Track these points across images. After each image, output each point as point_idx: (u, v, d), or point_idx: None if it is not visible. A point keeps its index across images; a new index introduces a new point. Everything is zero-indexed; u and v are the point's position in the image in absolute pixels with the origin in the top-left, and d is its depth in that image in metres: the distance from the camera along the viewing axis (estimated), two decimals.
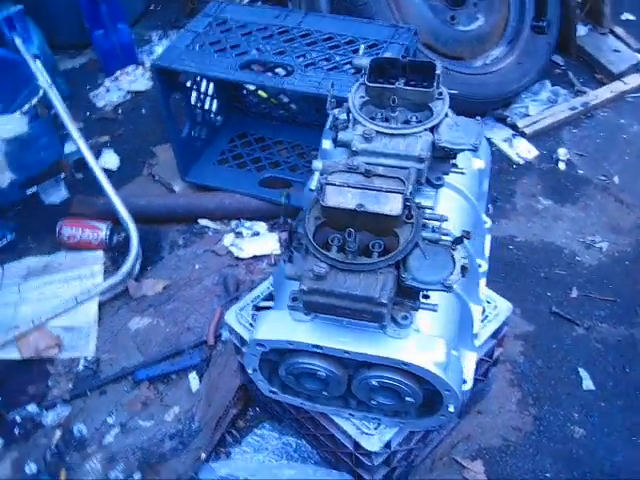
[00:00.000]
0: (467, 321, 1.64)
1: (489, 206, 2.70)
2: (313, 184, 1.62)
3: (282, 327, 1.46)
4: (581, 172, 2.84)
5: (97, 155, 3.03)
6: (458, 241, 1.40)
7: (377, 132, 1.55)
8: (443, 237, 1.40)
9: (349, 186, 1.39)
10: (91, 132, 3.17)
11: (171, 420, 2.23)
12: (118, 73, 3.31)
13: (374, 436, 1.66)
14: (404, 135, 1.54)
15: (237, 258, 2.61)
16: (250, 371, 1.59)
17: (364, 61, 1.66)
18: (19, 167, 2.22)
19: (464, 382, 1.61)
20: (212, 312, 2.44)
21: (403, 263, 1.34)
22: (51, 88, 2.17)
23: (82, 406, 2.28)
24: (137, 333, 2.45)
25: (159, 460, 2.15)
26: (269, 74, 2.29)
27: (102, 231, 2.61)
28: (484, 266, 1.87)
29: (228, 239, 2.66)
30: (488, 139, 2.95)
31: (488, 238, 1.96)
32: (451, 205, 1.69)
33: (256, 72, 2.29)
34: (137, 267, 2.57)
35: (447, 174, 1.63)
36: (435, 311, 1.39)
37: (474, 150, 1.54)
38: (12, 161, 2.12)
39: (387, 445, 1.68)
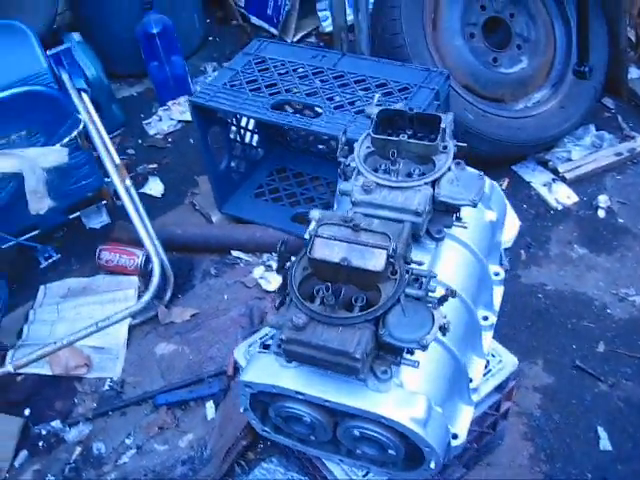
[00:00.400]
0: (461, 375, 1.63)
1: (521, 251, 2.67)
2: (306, 233, 1.65)
3: (268, 371, 1.49)
4: (621, 221, 2.76)
5: (144, 182, 3.19)
6: (442, 300, 1.40)
7: (377, 184, 1.58)
8: (430, 294, 1.41)
9: (336, 239, 1.42)
10: (140, 159, 3.32)
11: (184, 446, 2.29)
12: (170, 103, 3.45)
13: None
14: (402, 188, 1.55)
15: (265, 291, 2.66)
16: (241, 410, 1.63)
17: (375, 110, 1.70)
18: (60, 195, 2.34)
19: (455, 437, 1.60)
20: (235, 343, 2.49)
21: (383, 319, 1.35)
22: (91, 122, 2.29)
23: (103, 425, 2.37)
24: (162, 358, 2.53)
25: None
26: (298, 115, 2.34)
27: (138, 257, 2.72)
28: (491, 319, 1.84)
29: (258, 271, 2.72)
30: (528, 182, 2.92)
31: (500, 290, 1.93)
32: (453, 258, 1.68)
33: (286, 113, 2.34)
34: (168, 294, 2.66)
35: (449, 227, 1.64)
36: (416, 367, 1.39)
37: (473, 206, 1.54)
38: (52, 189, 2.25)
39: None
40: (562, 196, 2.83)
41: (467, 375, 1.65)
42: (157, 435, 2.33)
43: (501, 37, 2.89)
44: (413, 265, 1.47)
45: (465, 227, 1.63)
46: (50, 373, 2.49)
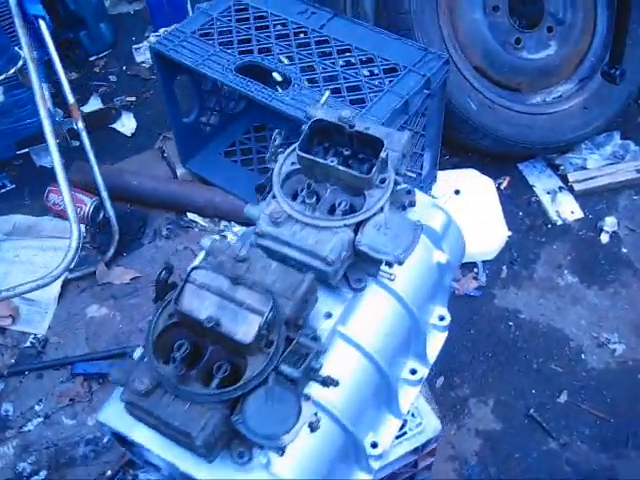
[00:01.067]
0: (354, 448, 1.40)
1: (503, 267, 2.38)
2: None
3: (123, 418, 1.28)
4: (624, 251, 2.42)
5: (117, 116, 2.92)
6: (325, 383, 1.16)
7: (289, 215, 1.30)
8: (314, 373, 1.17)
9: (209, 290, 1.16)
10: (120, 89, 3.04)
11: (92, 424, 2.13)
12: (163, 30, 3.12)
13: None
14: (317, 227, 1.28)
15: None
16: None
17: (317, 112, 1.42)
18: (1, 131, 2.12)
19: None
20: None
21: (242, 401, 1.11)
22: (33, 61, 2.01)
23: (16, 386, 2.22)
24: (91, 321, 2.34)
25: (68, 462, 2.07)
26: (261, 86, 2.01)
27: (86, 206, 2.49)
28: (420, 372, 1.58)
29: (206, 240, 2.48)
30: (531, 186, 2.57)
31: (441, 337, 1.66)
32: (374, 309, 1.41)
33: (249, 80, 2.02)
34: (111, 251, 2.45)
35: (374, 276, 1.36)
36: (280, 456, 1.16)
37: (398, 263, 1.26)
38: None
39: None
40: (565, 209, 2.49)
41: (362, 447, 1.41)
42: (67, 406, 2.17)
43: (530, 14, 2.48)
44: (305, 331, 1.22)
45: (392, 279, 1.36)
46: None
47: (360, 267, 1.34)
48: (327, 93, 1.61)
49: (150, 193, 2.54)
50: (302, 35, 2.14)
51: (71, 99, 2.31)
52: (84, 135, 2.35)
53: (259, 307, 1.12)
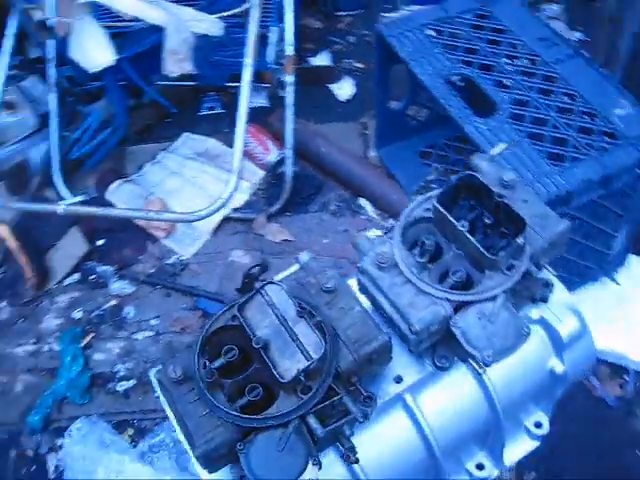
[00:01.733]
0: None
1: None
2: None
3: None
4: None
5: (338, 78, 2.91)
6: (347, 455, 1.07)
7: (395, 264, 1.19)
8: (341, 438, 1.08)
9: (274, 310, 1.10)
10: (354, 52, 3.02)
11: None
12: (415, 7, 3.01)
13: None
14: (418, 289, 1.16)
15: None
16: None
17: (481, 164, 1.29)
18: (209, 63, 2.19)
19: None
20: None
21: (255, 433, 1.05)
22: (258, 7, 2.02)
23: (144, 295, 2.37)
24: (231, 265, 2.40)
25: None
26: (463, 103, 1.84)
27: (271, 155, 2.53)
28: (487, 471, 1.42)
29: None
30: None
31: (529, 445, 1.47)
32: (453, 391, 1.27)
33: (454, 93, 1.87)
34: (277, 207, 2.48)
35: (463, 361, 1.22)
36: None
37: (484, 365, 1.12)
38: (199, 56, 2.09)
39: None
40: None
41: None
42: (177, 333, 2.28)
43: None
44: (359, 391, 1.12)
45: (480, 372, 1.21)
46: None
47: (450, 346, 1.19)
48: (502, 146, 1.42)
49: (333, 165, 2.52)
50: (531, 63, 1.93)
51: (290, 51, 2.32)
52: (290, 89, 2.36)
53: (310, 351, 1.04)
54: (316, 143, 2.55)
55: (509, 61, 1.94)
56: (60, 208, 2.11)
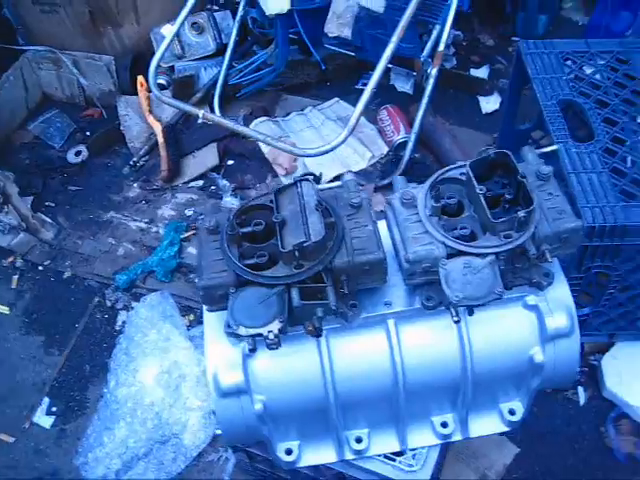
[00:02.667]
0: (334, 429, 1.47)
1: None
2: None
3: None
4: None
5: (488, 91, 3.04)
6: (313, 331, 1.28)
7: (416, 205, 1.38)
8: (311, 316, 1.29)
9: (300, 199, 1.33)
10: None
11: None
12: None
13: (421, 470, 1.64)
14: (425, 229, 1.34)
15: None
16: None
17: (528, 154, 1.45)
18: (366, 36, 2.44)
19: None
20: None
21: (246, 284, 1.28)
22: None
23: None
24: None
25: None
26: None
27: (397, 137, 2.74)
28: (451, 428, 1.55)
29: None
30: None
31: (497, 427, 1.58)
32: (434, 337, 1.43)
33: (560, 115, 1.96)
34: (385, 182, 2.69)
35: (444, 305, 1.37)
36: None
37: (451, 305, 1.28)
38: (358, 27, 2.35)
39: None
40: None
41: (345, 436, 1.48)
42: None
43: None
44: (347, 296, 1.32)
45: (456, 321, 1.35)
46: (265, 151, 2.80)
47: (438, 290, 1.34)
48: (555, 147, 1.53)
49: (449, 162, 2.66)
50: None
51: (441, 48, 2.52)
52: (431, 81, 2.56)
53: (311, 234, 1.26)
54: (442, 138, 2.72)
55: (626, 105, 2.01)
56: (201, 113, 2.46)
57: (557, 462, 2.04)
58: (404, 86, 2.86)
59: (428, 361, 1.45)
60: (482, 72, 3.11)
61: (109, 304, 2.45)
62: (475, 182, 1.33)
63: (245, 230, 1.34)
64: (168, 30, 2.63)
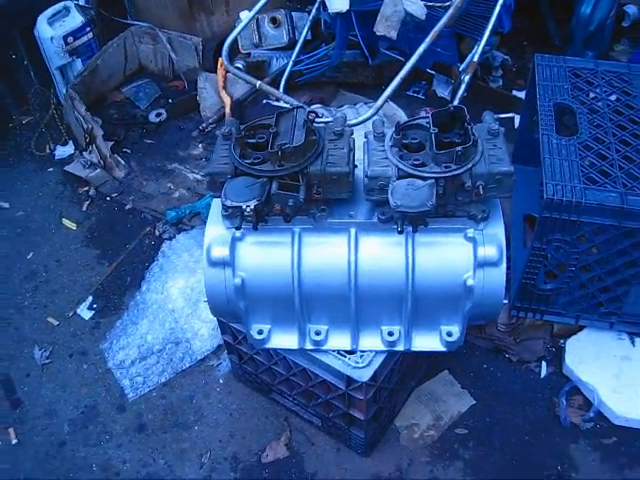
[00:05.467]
0: (299, 314, 1.81)
1: None
2: None
3: None
4: None
5: (511, 109, 3.31)
6: (284, 214, 1.64)
7: (383, 135, 1.73)
8: (288, 206, 1.65)
9: (295, 118, 1.70)
10: None
11: None
12: None
13: (364, 368, 1.86)
14: (385, 155, 1.68)
15: None
16: None
17: (486, 117, 1.76)
18: (408, 39, 2.82)
19: None
20: None
21: (239, 174, 1.67)
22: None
23: None
24: None
25: None
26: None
27: None
28: (395, 336, 1.86)
29: None
30: None
31: (435, 345, 1.87)
32: (387, 248, 1.76)
33: (552, 113, 2.25)
34: None
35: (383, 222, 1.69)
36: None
37: (380, 209, 1.60)
38: (403, 30, 2.73)
39: (374, 379, 1.89)
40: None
41: (306, 327, 1.81)
42: None
43: None
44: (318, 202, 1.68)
45: (400, 231, 1.67)
46: None
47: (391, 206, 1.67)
48: (511, 114, 1.81)
49: None
50: (631, 122, 2.25)
51: (475, 59, 2.86)
52: (463, 87, 2.89)
53: (294, 141, 1.63)
54: None
55: (615, 114, 2.28)
56: (258, 83, 2.89)
57: (507, 419, 2.28)
58: (443, 92, 3.21)
59: (377, 268, 1.77)
60: (523, 94, 3.40)
61: (157, 233, 2.88)
62: (431, 125, 1.67)
63: (250, 140, 1.73)
64: (245, 15, 3.08)
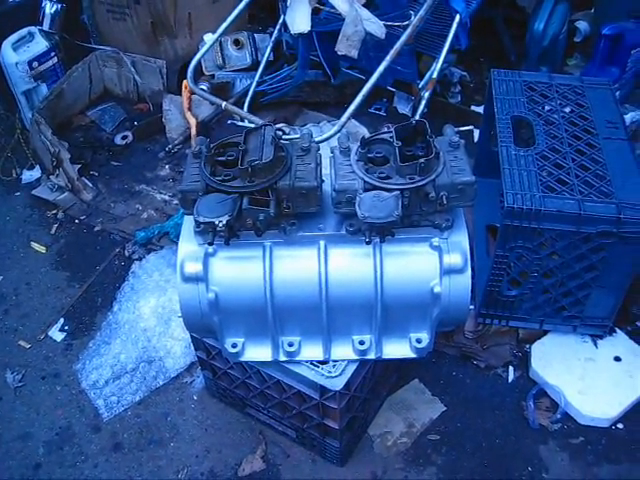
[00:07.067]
0: (271, 324, 1.85)
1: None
2: None
3: None
4: None
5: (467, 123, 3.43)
6: (256, 229, 1.68)
7: (348, 151, 1.79)
8: (257, 220, 1.69)
9: (263, 137, 1.76)
10: None
11: None
12: None
13: (337, 377, 1.91)
14: (351, 169, 1.74)
15: None
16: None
17: (447, 130, 1.84)
18: (368, 57, 2.90)
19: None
20: None
21: (211, 191, 1.71)
22: (413, 28, 2.69)
23: None
24: None
25: None
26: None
27: None
28: (366, 345, 1.91)
29: None
30: None
31: (405, 352, 1.93)
32: (354, 259, 1.81)
33: (509, 126, 2.35)
34: None
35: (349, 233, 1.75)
36: None
37: (362, 218, 1.65)
38: (363, 49, 2.81)
39: (347, 387, 1.93)
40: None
41: (277, 337, 1.85)
42: None
43: None
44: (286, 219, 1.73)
45: (367, 242, 1.73)
46: None
47: (358, 219, 1.72)
48: (470, 127, 1.90)
49: None
50: (585, 132, 2.35)
51: (434, 76, 2.95)
52: (421, 103, 2.97)
53: (263, 157, 1.68)
54: None
55: (570, 125, 2.38)
56: (224, 104, 2.94)
57: (477, 423, 2.34)
58: (404, 108, 3.30)
59: (347, 279, 1.83)
60: (482, 109, 3.51)
61: (127, 254, 2.89)
62: (395, 138, 1.74)
63: (219, 158, 1.78)
64: (209, 37, 3.14)
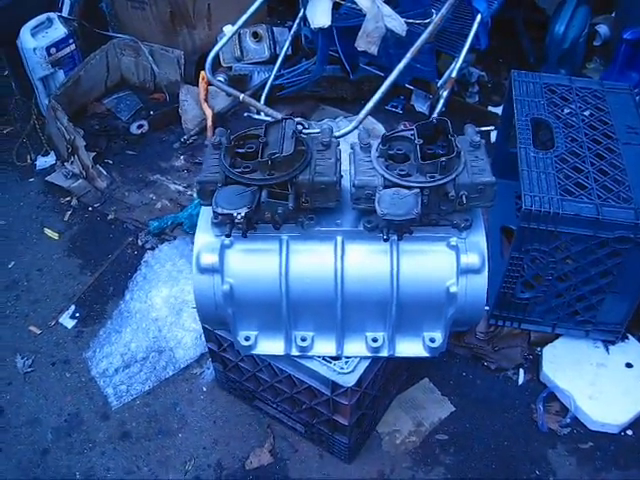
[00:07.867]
0: (285, 318, 1.85)
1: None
2: None
3: None
4: None
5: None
6: (275, 222, 1.67)
7: (370, 144, 1.78)
8: (276, 214, 1.69)
9: (284, 130, 1.75)
10: None
11: None
12: None
13: (349, 374, 1.90)
14: (371, 165, 1.74)
15: None
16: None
17: (468, 130, 1.82)
18: (388, 54, 2.89)
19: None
20: None
21: (232, 182, 1.70)
22: (434, 26, 2.67)
23: None
24: None
25: None
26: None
27: None
28: (379, 342, 1.90)
29: None
30: None
31: (418, 351, 1.92)
32: (371, 256, 1.80)
33: (529, 128, 2.33)
34: None
35: (369, 229, 1.74)
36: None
37: (381, 215, 1.65)
38: (383, 46, 2.80)
39: (359, 384, 1.93)
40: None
41: (291, 332, 1.85)
42: None
43: None
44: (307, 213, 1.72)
45: (385, 239, 1.72)
46: None
47: (377, 216, 1.71)
48: (491, 127, 1.89)
49: None
50: (605, 137, 2.34)
51: (453, 75, 2.94)
52: (441, 102, 2.96)
53: (282, 149, 1.67)
54: None
55: (589, 129, 2.37)
56: (241, 96, 2.94)
57: (486, 425, 2.33)
58: (422, 107, 3.28)
59: (363, 276, 1.82)
60: (499, 110, 3.50)
61: (140, 244, 2.89)
62: (416, 136, 1.73)
63: (239, 150, 1.77)
64: (229, 29, 3.13)
